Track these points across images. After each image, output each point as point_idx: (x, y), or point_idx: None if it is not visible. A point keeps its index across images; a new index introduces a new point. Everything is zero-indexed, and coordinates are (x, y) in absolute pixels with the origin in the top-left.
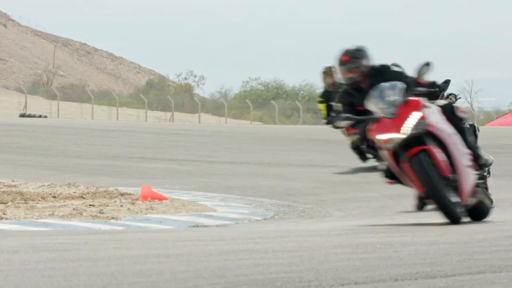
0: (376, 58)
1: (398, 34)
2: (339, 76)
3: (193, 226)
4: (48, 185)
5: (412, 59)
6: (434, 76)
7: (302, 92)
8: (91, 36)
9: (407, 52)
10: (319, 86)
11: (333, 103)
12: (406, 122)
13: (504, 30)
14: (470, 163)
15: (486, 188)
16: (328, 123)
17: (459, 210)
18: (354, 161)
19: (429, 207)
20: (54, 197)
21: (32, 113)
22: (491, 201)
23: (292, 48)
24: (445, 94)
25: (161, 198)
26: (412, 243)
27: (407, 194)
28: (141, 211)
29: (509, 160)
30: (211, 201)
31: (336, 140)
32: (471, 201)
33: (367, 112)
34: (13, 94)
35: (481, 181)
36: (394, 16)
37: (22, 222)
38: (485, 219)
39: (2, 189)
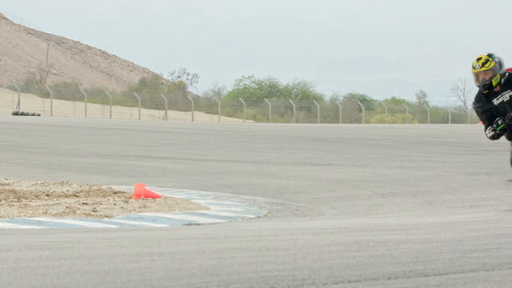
0: (370, 57)
1: (390, 33)
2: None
3: (187, 224)
4: (41, 183)
5: (404, 57)
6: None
7: (295, 90)
8: (84, 34)
9: (400, 50)
10: (313, 84)
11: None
12: None
13: (497, 28)
14: None
15: None
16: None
17: None
18: (348, 159)
19: None
20: (47, 195)
21: (25, 111)
22: None
23: (286, 46)
24: None
25: (154, 197)
26: (406, 241)
27: (400, 192)
28: (134, 210)
29: (502, 158)
30: (204, 199)
31: (329, 138)
32: None
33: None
34: (6, 92)
35: None
36: (386, 14)
37: (15, 220)
38: None
39: None
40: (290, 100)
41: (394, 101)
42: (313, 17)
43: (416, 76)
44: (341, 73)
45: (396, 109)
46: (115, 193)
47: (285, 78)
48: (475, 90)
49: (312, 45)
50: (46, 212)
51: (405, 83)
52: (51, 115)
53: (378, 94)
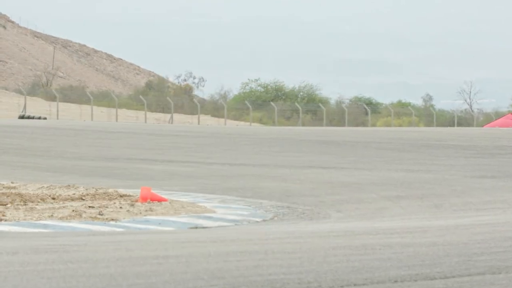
0: (373, 58)
1: (395, 34)
2: None
3: (193, 228)
4: (47, 187)
5: (409, 59)
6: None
7: (301, 93)
8: (91, 37)
9: (404, 53)
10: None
11: None
12: None
13: (503, 30)
14: None
15: None
16: None
17: None
18: (354, 162)
19: None
20: (54, 198)
21: (32, 115)
22: None
23: (292, 49)
24: None
25: (160, 200)
26: (411, 245)
27: (406, 195)
28: (140, 213)
29: (508, 161)
30: (211, 203)
31: (334, 141)
32: None
33: None
34: (12, 95)
35: None
36: (391, 16)
37: (22, 224)
38: None
39: (1, 191)
40: (296, 104)
41: (400, 104)
42: (319, 19)
43: (420, 78)
44: (345, 75)
45: (402, 112)
46: (121, 196)
47: (290, 80)
48: (481, 92)
49: (318, 47)
50: (52, 215)
51: (409, 85)
52: (57, 118)
53: (383, 97)
